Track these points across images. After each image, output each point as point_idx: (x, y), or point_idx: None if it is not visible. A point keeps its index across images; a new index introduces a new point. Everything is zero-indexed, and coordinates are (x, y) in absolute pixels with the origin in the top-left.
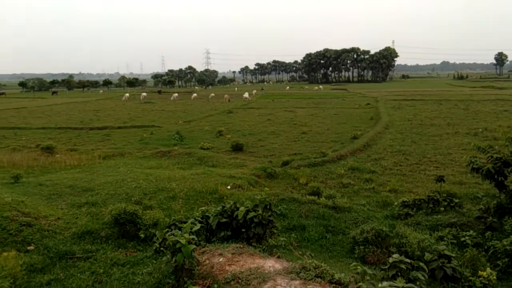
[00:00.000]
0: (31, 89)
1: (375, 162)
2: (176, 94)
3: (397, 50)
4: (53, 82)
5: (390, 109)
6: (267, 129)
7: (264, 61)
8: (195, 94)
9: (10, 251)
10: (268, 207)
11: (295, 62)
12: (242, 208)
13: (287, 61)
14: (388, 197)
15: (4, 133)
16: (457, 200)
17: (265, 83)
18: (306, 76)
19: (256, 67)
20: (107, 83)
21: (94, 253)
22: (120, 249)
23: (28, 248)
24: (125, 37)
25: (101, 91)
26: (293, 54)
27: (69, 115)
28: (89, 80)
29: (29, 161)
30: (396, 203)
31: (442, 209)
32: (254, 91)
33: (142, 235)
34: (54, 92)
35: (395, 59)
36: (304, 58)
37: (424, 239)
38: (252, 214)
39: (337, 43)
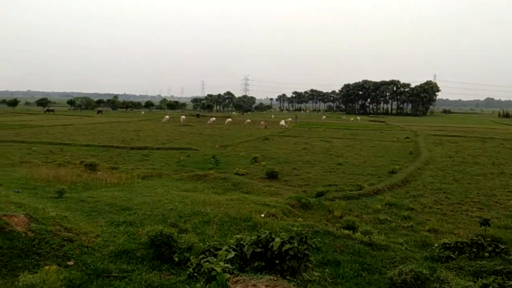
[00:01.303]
0: (78, 107)
1: (414, 199)
2: (213, 119)
3: (439, 84)
4: (99, 102)
5: (431, 144)
6: (302, 158)
7: (301, 89)
8: (229, 119)
9: (51, 265)
10: (304, 240)
11: (333, 92)
12: (277, 239)
13: (324, 91)
14: (428, 237)
15: (51, 148)
16: (503, 246)
17: (302, 111)
18: (343, 106)
19: (294, 95)
20: (149, 104)
21: (129, 273)
22: (155, 271)
23: (68, 263)
24: (168, 61)
25: (142, 112)
26: (331, 84)
27: (111, 134)
28: (132, 101)
29: (73, 176)
30: (436, 245)
31: (486, 254)
32: (289, 119)
33: (177, 259)
34: (99, 111)
35: (437, 93)
36: (342, 88)
37: (468, 286)
38: (287, 246)
39: (376, 74)
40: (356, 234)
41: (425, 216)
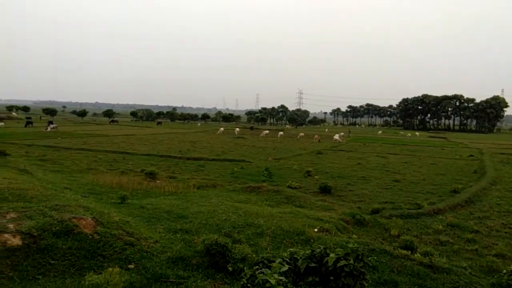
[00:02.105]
0: (140, 118)
1: (479, 221)
2: (266, 131)
3: (507, 100)
4: (159, 113)
5: (498, 163)
6: (357, 173)
7: (357, 103)
8: (281, 133)
9: (114, 267)
10: (360, 257)
11: (390, 106)
12: (332, 255)
13: (381, 105)
14: (495, 263)
15: (115, 157)
16: None
17: (357, 126)
18: (401, 121)
19: (348, 109)
20: (205, 117)
21: (186, 280)
22: (209, 280)
23: (129, 266)
24: (224, 75)
25: (199, 124)
26: (388, 98)
27: (170, 145)
28: (190, 113)
29: (134, 184)
30: (504, 271)
31: None
32: (342, 134)
33: (231, 269)
34: (159, 123)
35: (505, 109)
36: (400, 102)
37: None
38: (343, 262)
39: (436, 89)
40: (415, 254)
41: (492, 240)
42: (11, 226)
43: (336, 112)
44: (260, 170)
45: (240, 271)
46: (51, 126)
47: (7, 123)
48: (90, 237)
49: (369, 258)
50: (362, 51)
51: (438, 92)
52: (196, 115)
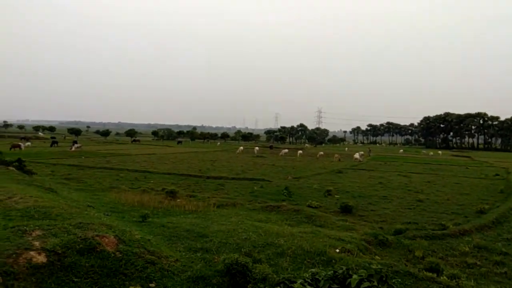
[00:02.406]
0: (161, 137)
1: (507, 243)
2: (286, 150)
3: None
4: (179, 133)
5: None
6: (378, 192)
7: (377, 122)
8: (300, 151)
9: (136, 286)
10: (384, 279)
11: (411, 124)
12: (355, 276)
13: (402, 123)
14: None
15: (137, 176)
16: None
17: (377, 144)
18: (422, 140)
19: (368, 127)
20: (224, 136)
21: None
22: None
23: (150, 285)
24: (243, 95)
25: (218, 143)
26: (409, 116)
27: (190, 163)
28: (209, 132)
29: (155, 202)
30: None
31: None
32: (361, 152)
33: None
34: (179, 142)
35: None
36: (421, 121)
37: None
38: (366, 284)
39: (459, 107)
40: (441, 277)
41: None
42: (36, 243)
43: (356, 130)
44: (279, 189)
45: None
46: (76, 145)
47: (34, 142)
48: (113, 255)
49: (393, 280)
50: (381, 69)
51: (460, 110)
52: (215, 134)
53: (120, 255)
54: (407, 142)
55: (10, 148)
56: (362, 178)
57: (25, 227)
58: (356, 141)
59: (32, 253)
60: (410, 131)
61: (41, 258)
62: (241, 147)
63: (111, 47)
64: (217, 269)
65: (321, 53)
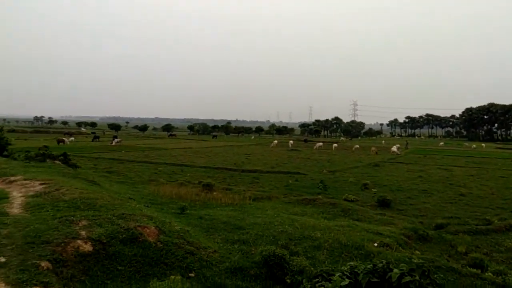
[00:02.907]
0: (196, 132)
1: None
2: (320, 144)
3: None
4: (214, 127)
5: None
6: (417, 186)
7: (415, 114)
8: (335, 145)
9: (176, 275)
10: (426, 273)
11: (452, 116)
12: (396, 270)
13: (442, 115)
14: None
15: (174, 169)
16: None
17: (416, 137)
18: (464, 132)
19: (406, 120)
20: (259, 129)
21: None
22: None
23: (190, 274)
24: (277, 88)
25: (252, 137)
26: (450, 107)
27: (225, 157)
28: (244, 126)
29: (192, 195)
30: None
31: None
32: (398, 145)
33: (289, 281)
34: (214, 136)
35: None
36: (463, 112)
37: None
38: (408, 278)
39: (505, 97)
40: (486, 273)
41: None
42: (83, 233)
43: (393, 123)
44: (315, 183)
45: (299, 283)
46: (116, 140)
47: (77, 137)
48: (154, 245)
49: (435, 276)
50: (420, 60)
51: (506, 101)
52: (250, 128)
53: (161, 245)
54: (448, 134)
55: (58, 143)
56: (400, 172)
57: (72, 217)
58: (394, 134)
59: (79, 242)
60: (451, 123)
61: (87, 247)
62: (275, 141)
63: (150, 47)
64: (255, 260)
65: (355, 46)
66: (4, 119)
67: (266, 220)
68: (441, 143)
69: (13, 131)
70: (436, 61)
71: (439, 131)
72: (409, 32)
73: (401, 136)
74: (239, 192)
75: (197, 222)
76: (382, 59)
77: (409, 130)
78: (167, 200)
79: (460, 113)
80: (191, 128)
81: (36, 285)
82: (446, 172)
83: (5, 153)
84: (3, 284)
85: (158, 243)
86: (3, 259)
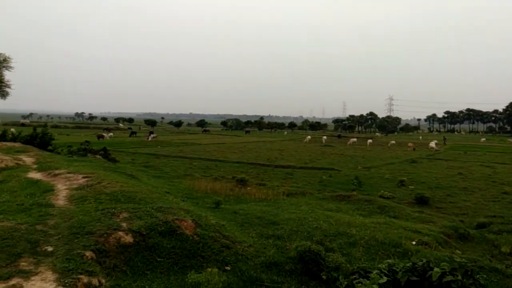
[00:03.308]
0: (229, 127)
1: None
2: (354, 139)
3: None
4: (247, 123)
5: None
6: (457, 184)
7: (455, 109)
8: (370, 140)
9: (213, 268)
10: (469, 273)
11: (495, 111)
12: (437, 269)
13: (484, 110)
14: None
15: (208, 164)
16: None
17: (456, 133)
18: (508, 127)
19: (446, 115)
20: (291, 125)
21: (280, 285)
22: (303, 287)
23: (226, 268)
24: (310, 84)
25: (285, 132)
26: (492, 102)
27: (258, 153)
28: (276, 122)
29: (226, 190)
30: None
31: None
32: (435, 141)
33: (324, 277)
34: (247, 131)
35: None
36: (507, 107)
37: None
38: (449, 278)
39: None
40: None
41: None
42: (124, 224)
43: (432, 118)
44: (349, 179)
45: (335, 280)
46: (152, 135)
47: (115, 133)
48: (191, 238)
49: (478, 276)
50: (459, 51)
51: None
52: (283, 124)
53: (198, 238)
54: (490, 130)
55: (98, 138)
56: (439, 168)
57: (113, 210)
58: (432, 129)
59: (120, 233)
60: (493, 118)
61: (128, 238)
62: (309, 136)
63: (184, 45)
64: (290, 256)
65: (391, 36)
66: (48, 115)
67: (300, 215)
68: (483, 139)
69: (56, 126)
70: (478, 52)
71: (481, 127)
72: (450, 19)
73: (439, 131)
74: (273, 188)
75: (232, 216)
76: (419, 50)
77: (448, 126)
78: (202, 195)
79: (504, 107)
80: (224, 123)
81: (81, 273)
82: (488, 169)
83: (49, 147)
84: (51, 272)
85: (195, 236)
86: (50, 248)
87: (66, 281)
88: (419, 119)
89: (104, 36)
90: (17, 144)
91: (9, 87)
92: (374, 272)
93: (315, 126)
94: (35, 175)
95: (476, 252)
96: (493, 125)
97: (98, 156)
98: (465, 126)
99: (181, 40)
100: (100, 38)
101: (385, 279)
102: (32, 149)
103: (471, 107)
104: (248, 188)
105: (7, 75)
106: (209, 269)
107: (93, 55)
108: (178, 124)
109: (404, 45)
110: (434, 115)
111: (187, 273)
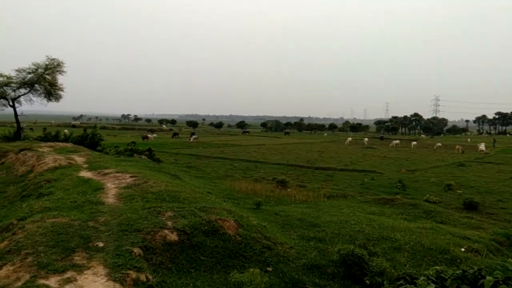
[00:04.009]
0: (269, 129)
1: None
2: (396, 141)
3: None
4: (287, 124)
5: None
6: (509, 189)
7: (507, 109)
8: (414, 142)
9: (255, 268)
10: None
11: None
12: (489, 278)
13: None
14: None
15: (248, 165)
16: None
17: (508, 135)
18: None
19: (496, 116)
20: (332, 127)
21: None
22: None
23: (268, 269)
24: (351, 85)
25: (325, 134)
26: None
27: (298, 154)
28: (317, 123)
29: (267, 191)
30: None
31: None
32: (484, 144)
33: (368, 282)
34: (286, 133)
35: None
36: None
37: None
38: (503, 287)
39: None
40: None
41: None
42: (169, 223)
43: (481, 119)
44: (392, 182)
45: (379, 285)
46: (193, 137)
47: (158, 134)
48: (233, 238)
49: None
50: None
51: None
52: (323, 125)
53: (240, 239)
54: None
55: (143, 139)
56: (489, 172)
57: (159, 208)
58: (481, 131)
59: (166, 231)
60: None
61: (173, 237)
62: (350, 138)
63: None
64: (332, 259)
65: (436, 35)
66: (96, 117)
67: (341, 218)
68: None
69: (104, 128)
70: None
71: None
72: (498, 16)
73: (489, 133)
74: (313, 190)
75: (273, 218)
76: (469, 51)
77: (500, 127)
78: (242, 195)
79: None
80: (264, 125)
81: (130, 269)
82: None
83: (98, 148)
84: (102, 267)
85: (237, 236)
86: (101, 244)
87: (116, 276)
88: (467, 121)
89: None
90: (69, 145)
91: (62, 90)
92: (421, 278)
93: (356, 127)
94: (86, 174)
95: None
96: None
97: (143, 157)
98: None
99: (224, 45)
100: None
101: (433, 286)
102: (83, 149)
103: None
104: (289, 189)
105: (60, 79)
106: (252, 269)
107: (142, 64)
108: (219, 125)
109: (453, 45)
110: (483, 116)
111: (229, 272)
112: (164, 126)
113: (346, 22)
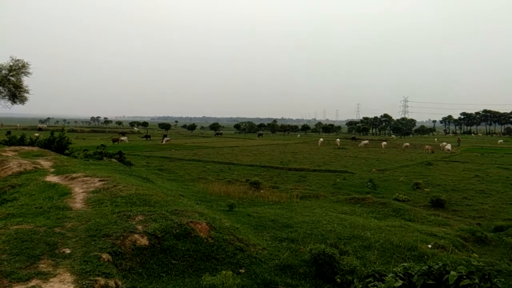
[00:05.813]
0: (242, 130)
1: None
2: (365, 141)
3: None
4: (260, 126)
5: None
6: (474, 186)
7: (471, 110)
8: (384, 143)
9: (227, 270)
10: (487, 277)
11: None
12: (453, 273)
13: (501, 111)
14: None
15: (221, 167)
16: None
17: (472, 134)
18: None
19: (462, 116)
20: (305, 128)
21: None
22: None
23: (240, 270)
24: (324, 87)
25: (298, 135)
26: (511, 103)
27: (271, 155)
28: (290, 124)
29: (240, 193)
30: None
31: None
32: (447, 143)
33: (339, 280)
34: (260, 134)
35: None
36: None
37: None
38: (466, 281)
39: None
40: None
41: None
42: (139, 227)
43: (447, 120)
44: (363, 182)
45: (349, 283)
46: (166, 139)
47: (129, 137)
48: (205, 240)
49: (496, 280)
50: (476, 52)
51: None
52: (296, 127)
53: (212, 241)
54: (508, 131)
55: (113, 142)
56: (455, 171)
57: (129, 212)
58: (448, 131)
59: (136, 236)
60: (511, 120)
61: (143, 241)
62: (321, 139)
63: (195, 50)
64: (304, 259)
65: (405, 39)
66: (64, 120)
67: (314, 218)
68: (500, 141)
69: (72, 131)
70: (495, 53)
71: (498, 128)
72: (466, 21)
73: (455, 133)
74: (286, 191)
75: (246, 219)
76: (435, 51)
77: (465, 127)
78: (215, 198)
79: None
80: (237, 126)
81: (98, 275)
82: (506, 172)
83: (66, 151)
84: (69, 274)
85: (209, 238)
86: (68, 251)
87: (83, 283)
88: (434, 121)
89: (116, 46)
90: (35, 148)
91: (27, 92)
92: (389, 275)
93: (328, 128)
94: (52, 178)
95: (494, 255)
96: (511, 126)
97: (113, 160)
98: (482, 127)
99: (193, 44)
100: (112, 47)
101: (400, 282)
102: (50, 153)
103: (488, 108)
104: (262, 191)
105: (25, 80)
106: (224, 272)
107: (110, 64)
108: (192, 127)
109: (419, 46)
110: (450, 116)
111: (201, 275)
112: (135, 128)
113: (321, 23)
